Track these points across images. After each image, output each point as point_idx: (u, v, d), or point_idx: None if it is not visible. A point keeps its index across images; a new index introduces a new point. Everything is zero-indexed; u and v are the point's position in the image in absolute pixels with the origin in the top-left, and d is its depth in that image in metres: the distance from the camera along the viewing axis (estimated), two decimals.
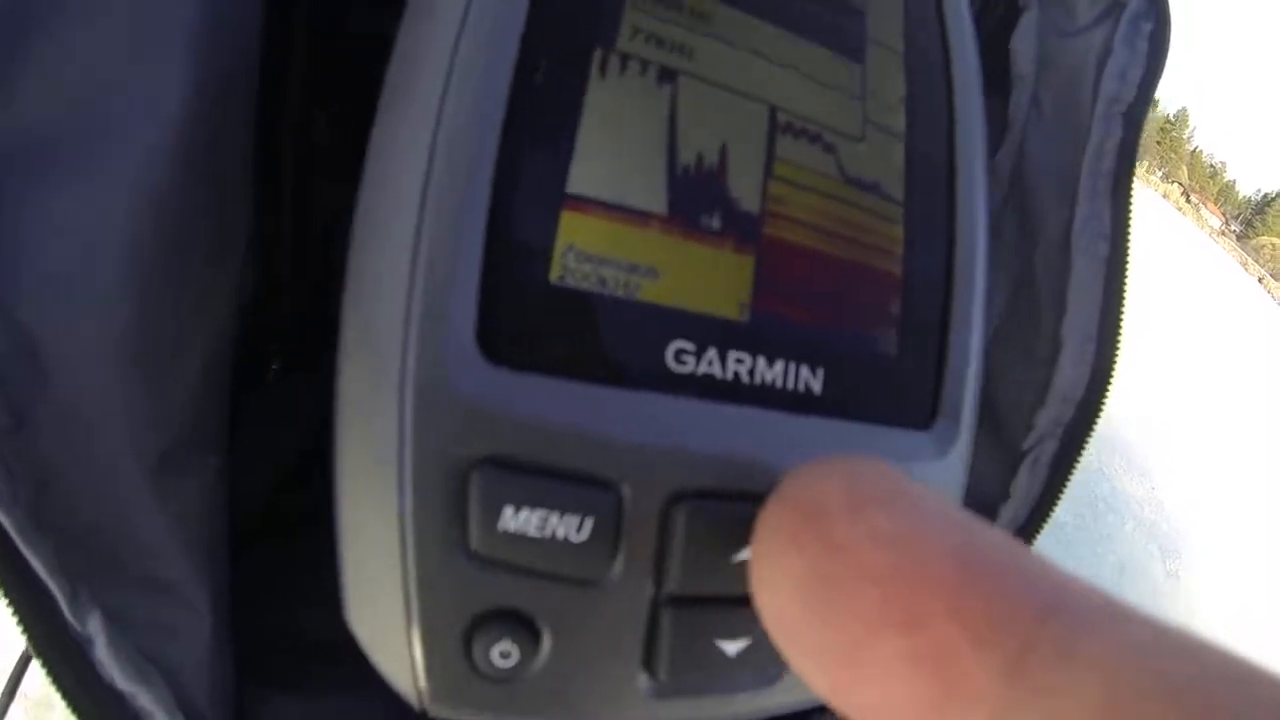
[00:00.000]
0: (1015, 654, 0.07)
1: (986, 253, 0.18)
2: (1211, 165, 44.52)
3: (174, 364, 0.16)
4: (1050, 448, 0.27)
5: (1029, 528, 0.28)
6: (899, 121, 0.16)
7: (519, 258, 0.12)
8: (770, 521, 0.09)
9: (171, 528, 0.17)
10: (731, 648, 0.13)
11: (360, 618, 0.13)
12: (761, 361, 0.14)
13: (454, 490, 0.12)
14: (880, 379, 0.16)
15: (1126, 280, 0.27)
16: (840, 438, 0.15)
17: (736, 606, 0.13)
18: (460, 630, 0.12)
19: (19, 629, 0.16)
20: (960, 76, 0.17)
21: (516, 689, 0.12)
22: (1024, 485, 0.27)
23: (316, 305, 0.27)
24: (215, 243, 0.17)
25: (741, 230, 0.14)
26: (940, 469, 0.16)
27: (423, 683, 0.12)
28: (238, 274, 0.18)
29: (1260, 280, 17.69)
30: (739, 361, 0.14)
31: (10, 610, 0.15)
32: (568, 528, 0.12)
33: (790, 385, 0.14)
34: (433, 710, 0.13)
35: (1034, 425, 0.28)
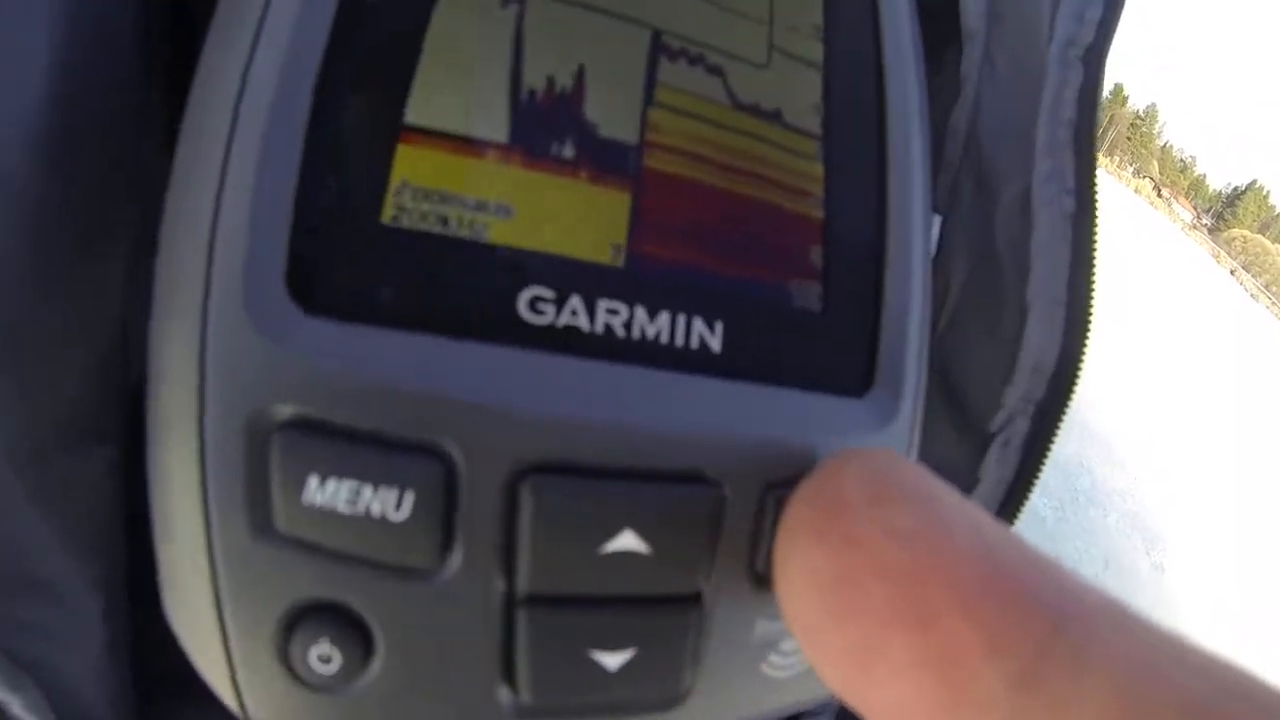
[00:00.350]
0: (1029, 662, 0.07)
1: (926, 196, 0.15)
2: (1182, 160, 45.43)
3: (47, 357, 0.14)
4: (1021, 427, 0.25)
5: (1002, 515, 0.26)
6: (815, 49, 0.14)
7: (343, 194, 0.10)
8: (793, 516, 0.09)
9: (50, 523, 0.15)
10: (611, 660, 0.11)
11: (175, 612, 0.10)
12: (641, 312, 0.12)
13: (257, 457, 0.10)
14: (798, 336, 0.13)
15: (1096, 238, 0.25)
16: (746, 402, 0.12)
17: (615, 610, 0.11)
18: (271, 627, 0.10)
19: None
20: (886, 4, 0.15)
21: (346, 701, 0.10)
22: (994, 470, 0.25)
23: None
24: (88, 231, 0.14)
25: (612, 162, 0.11)
26: (878, 442, 0.13)
27: (242, 690, 0.10)
28: (123, 260, 0.15)
29: (1232, 272, 18.07)
30: (611, 312, 0.11)
31: None
32: (384, 503, 0.09)
33: (679, 341, 0.12)
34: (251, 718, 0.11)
35: (1003, 404, 0.26)
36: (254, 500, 0.10)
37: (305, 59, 0.10)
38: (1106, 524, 1.46)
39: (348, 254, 0.10)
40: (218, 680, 0.10)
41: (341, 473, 0.09)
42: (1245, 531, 1.80)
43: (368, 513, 0.09)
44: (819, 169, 0.13)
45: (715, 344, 0.12)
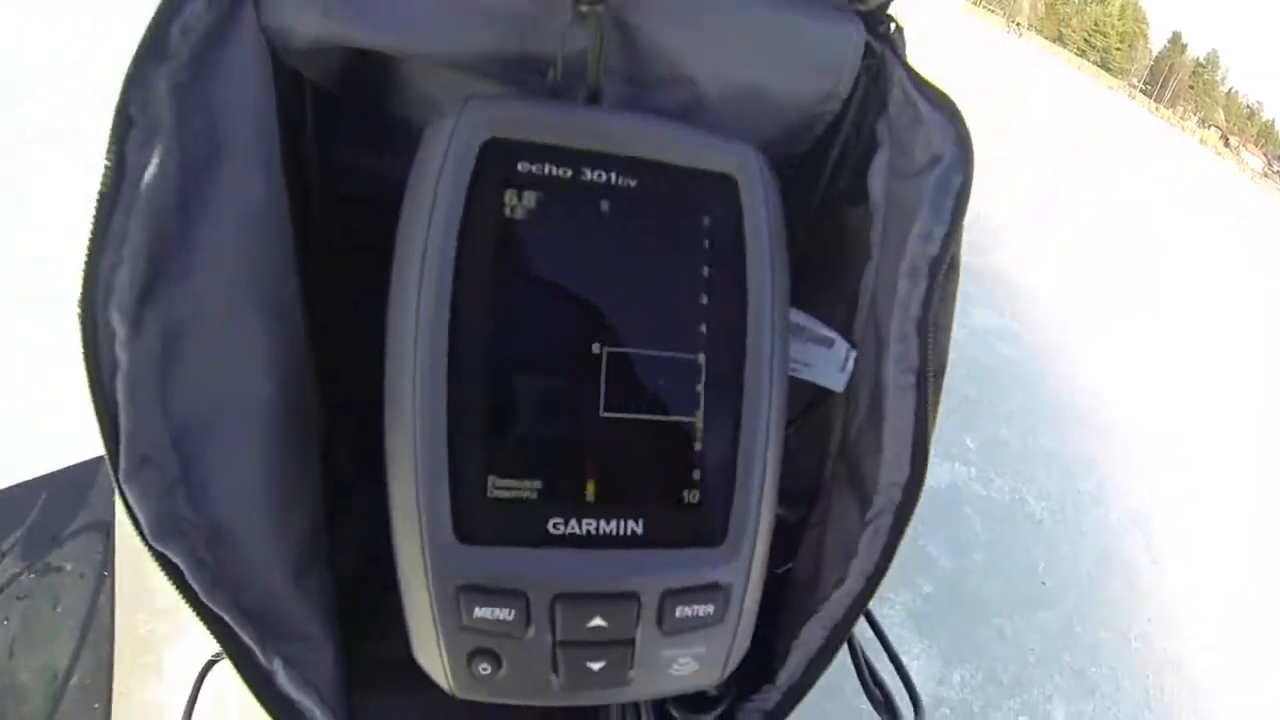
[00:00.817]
0: None
1: (772, 438, 0.31)
2: (1249, 106, 42.85)
3: (295, 508, 0.33)
4: (886, 521, 0.36)
5: (874, 577, 0.36)
6: (698, 348, 0.31)
7: (471, 488, 0.27)
8: None
9: (307, 606, 0.33)
10: (595, 665, 0.28)
11: (419, 652, 0.28)
12: (602, 523, 0.28)
13: (455, 598, 0.27)
14: (685, 519, 0.29)
15: (936, 396, 0.36)
16: (654, 559, 0.28)
17: (594, 646, 0.28)
18: (464, 657, 0.27)
19: (234, 667, 0.30)
20: (754, 283, 0.31)
21: (494, 682, 0.28)
22: (867, 546, 0.36)
23: (366, 429, 0.41)
24: (307, 413, 0.34)
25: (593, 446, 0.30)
26: (730, 570, 0.29)
27: (450, 682, 0.28)
28: (319, 428, 0.36)
29: None
30: (589, 524, 0.28)
31: (229, 657, 0.30)
32: (505, 614, 0.27)
33: (621, 532, 0.28)
34: (457, 693, 0.28)
35: (874, 503, 0.37)
36: (455, 612, 0.26)
37: (437, 406, 0.27)
38: (1108, 522, 1.47)
39: (473, 515, 0.27)
40: (438, 678, 0.27)
41: (488, 604, 0.26)
42: (1259, 525, 1.78)
43: (499, 618, 0.26)
44: (700, 425, 0.29)
45: (640, 530, 0.28)
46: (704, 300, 0.36)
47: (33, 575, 0.89)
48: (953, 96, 0.43)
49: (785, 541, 0.47)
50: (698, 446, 0.32)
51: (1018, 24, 32.73)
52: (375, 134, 0.48)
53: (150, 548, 0.30)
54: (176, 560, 0.30)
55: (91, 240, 0.29)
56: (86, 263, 0.29)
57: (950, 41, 9.29)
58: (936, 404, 0.38)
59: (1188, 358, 2.38)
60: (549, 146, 0.36)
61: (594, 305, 0.36)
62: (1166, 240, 3.75)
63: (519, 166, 0.35)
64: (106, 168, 0.30)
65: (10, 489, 0.94)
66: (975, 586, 1.15)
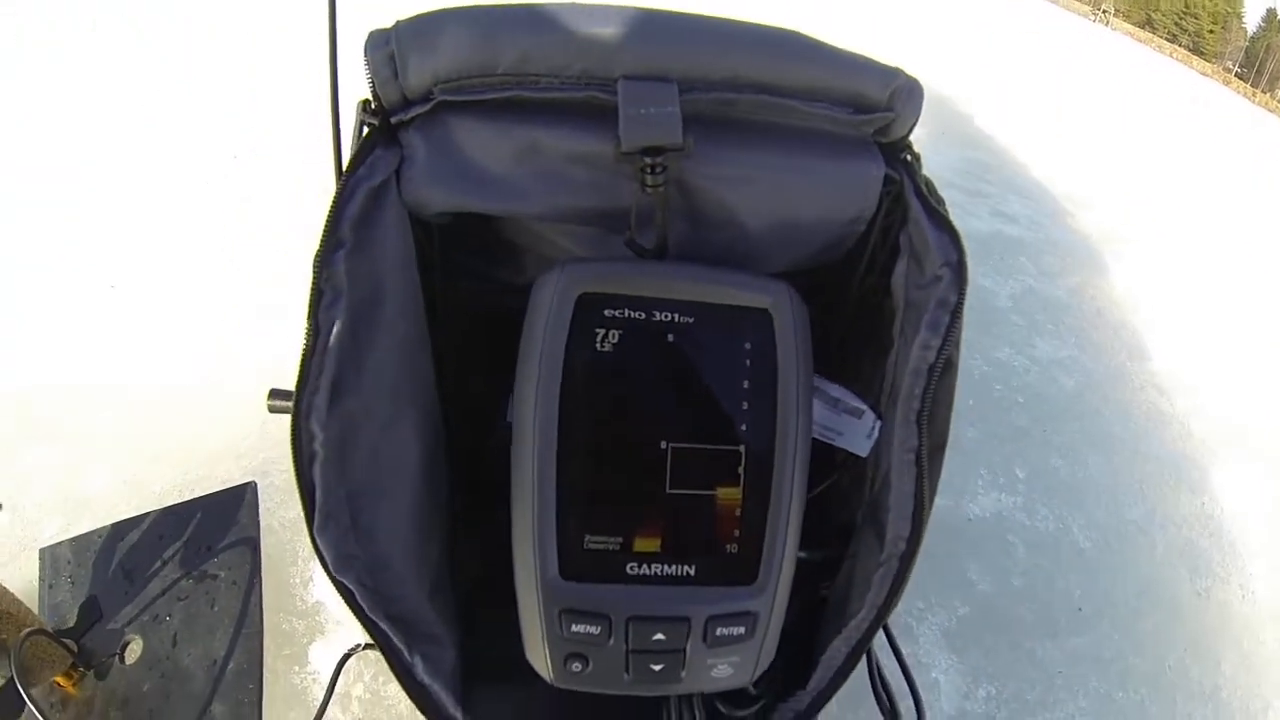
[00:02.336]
0: None
1: (793, 506, 0.50)
2: None
3: (431, 544, 0.52)
4: (893, 566, 0.52)
5: (884, 610, 0.51)
6: (740, 441, 0.51)
7: (572, 542, 0.46)
8: None
9: (441, 616, 0.50)
10: (656, 667, 0.45)
11: (530, 653, 0.46)
12: (665, 567, 0.47)
13: (559, 618, 0.45)
14: (728, 564, 0.48)
15: (929, 477, 0.51)
16: (703, 592, 0.47)
17: (656, 653, 0.45)
18: (563, 659, 0.45)
19: (386, 660, 0.45)
20: (782, 392, 0.51)
21: (583, 677, 0.45)
22: (878, 584, 0.52)
23: (481, 481, 0.63)
24: (440, 474, 0.55)
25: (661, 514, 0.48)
26: (759, 601, 0.48)
27: (551, 675, 0.45)
28: (449, 487, 0.58)
29: None
30: (655, 568, 0.47)
31: (382, 653, 0.45)
32: (593, 630, 0.45)
33: (679, 573, 0.47)
34: (557, 684, 0.45)
35: (885, 549, 0.52)
36: (559, 628, 0.45)
37: (547, 488, 0.47)
38: (1154, 552, 1.53)
39: (574, 560, 0.46)
40: (543, 672, 0.46)
41: (582, 623, 0.45)
42: None
43: (588, 631, 0.45)
44: (739, 495, 0.49)
45: (692, 572, 0.47)
46: (744, 406, 0.53)
47: (191, 580, 0.99)
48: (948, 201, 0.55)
49: (823, 570, 0.63)
50: (737, 513, 0.51)
51: (1104, 11, 31.20)
52: (486, 267, 0.66)
53: (331, 577, 0.46)
54: (349, 585, 0.46)
55: (299, 378, 0.45)
56: (296, 392, 0.45)
57: (1026, 34, 9.00)
58: (936, 474, 0.52)
59: (1255, 389, 2.36)
60: (627, 296, 0.53)
61: (662, 412, 0.52)
62: (1254, 257, 3.63)
63: (605, 313, 0.52)
64: (307, 329, 0.46)
65: (172, 507, 1.05)
66: (1011, 610, 1.24)
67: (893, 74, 0.57)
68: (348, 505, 0.47)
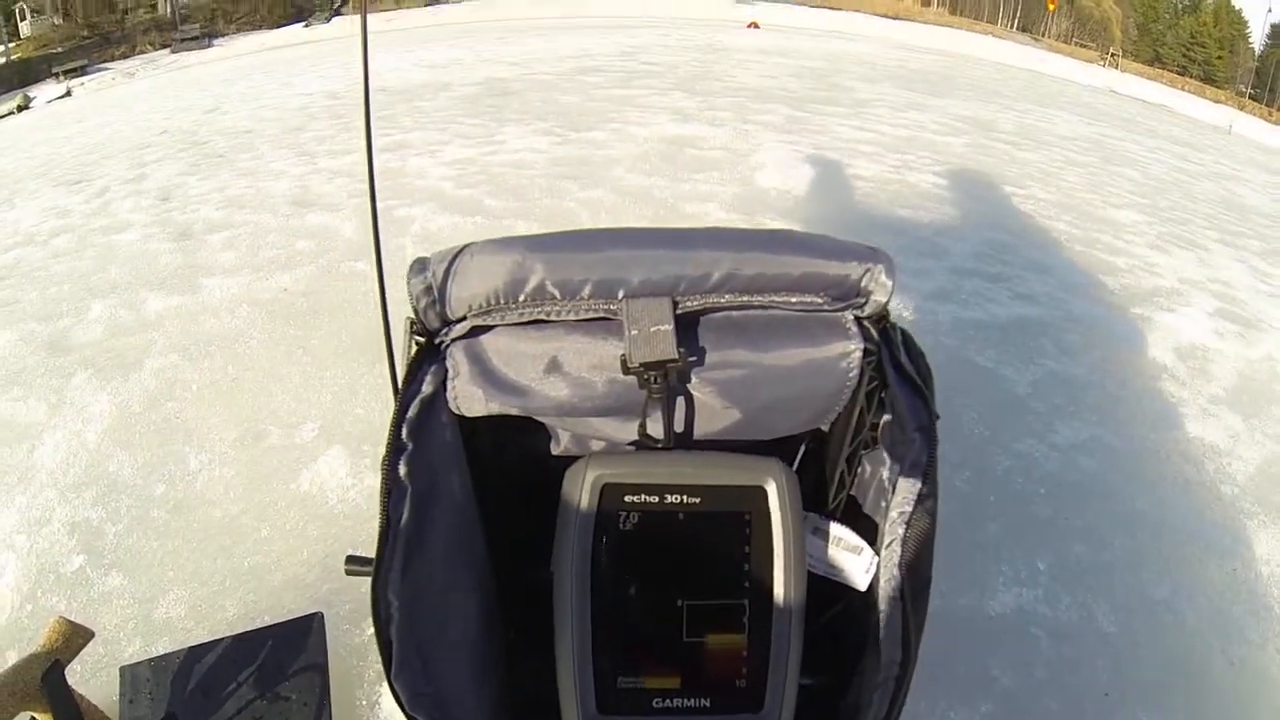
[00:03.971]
0: None
1: (792, 645, 0.67)
2: None
3: (488, 681, 0.68)
4: (890, 687, 0.60)
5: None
6: (743, 595, 0.68)
7: (606, 682, 0.65)
8: None
9: (482, 694, 0.66)
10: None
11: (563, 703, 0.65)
12: (684, 700, 0.67)
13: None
14: (738, 697, 0.67)
15: (913, 613, 0.60)
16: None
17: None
18: None
19: None
20: (778, 553, 0.69)
21: None
22: (878, 701, 0.60)
23: (530, 616, 0.73)
24: (494, 622, 0.74)
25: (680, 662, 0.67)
26: (763, 718, 0.66)
27: None
28: (501, 631, 0.76)
29: None
30: (676, 702, 0.67)
31: None
32: None
33: (696, 706, 0.67)
34: None
35: (881, 670, 0.61)
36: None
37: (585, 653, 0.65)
38: (1183, 627, 1.59)
39: (608, 698, 0.65)
40: None
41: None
42: None
43: None
44: (745, 638, 0.68)
45: (708, 704, 0.67)
46: (746, 567, 0.69)
47: (264, 701, 1.05)
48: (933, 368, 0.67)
49: (829, 692, 0.75)
50: (744, 653, 0.66)
51: (1112, 54, 31.54)
52: (525, 447, 0.78)
53: (405, 712, 0.54)
54: (420, 719, 0.54)
55: (377, 557, 0.55)
56: (375, 569, 0.55)
57: (1043, 97, 9.18)
58: (922, 608, 0.61)
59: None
60: (642, 484, 0.70)
61: (677, 575, 0.69)
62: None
63: (625, 498, 0.69)
64: (381, 524, 0.56)
65: (245, 634, 1.14)
66: (1035, 703, 1.34)
67: (867, 256, 0.68)
68: (418, 653, 0.57)
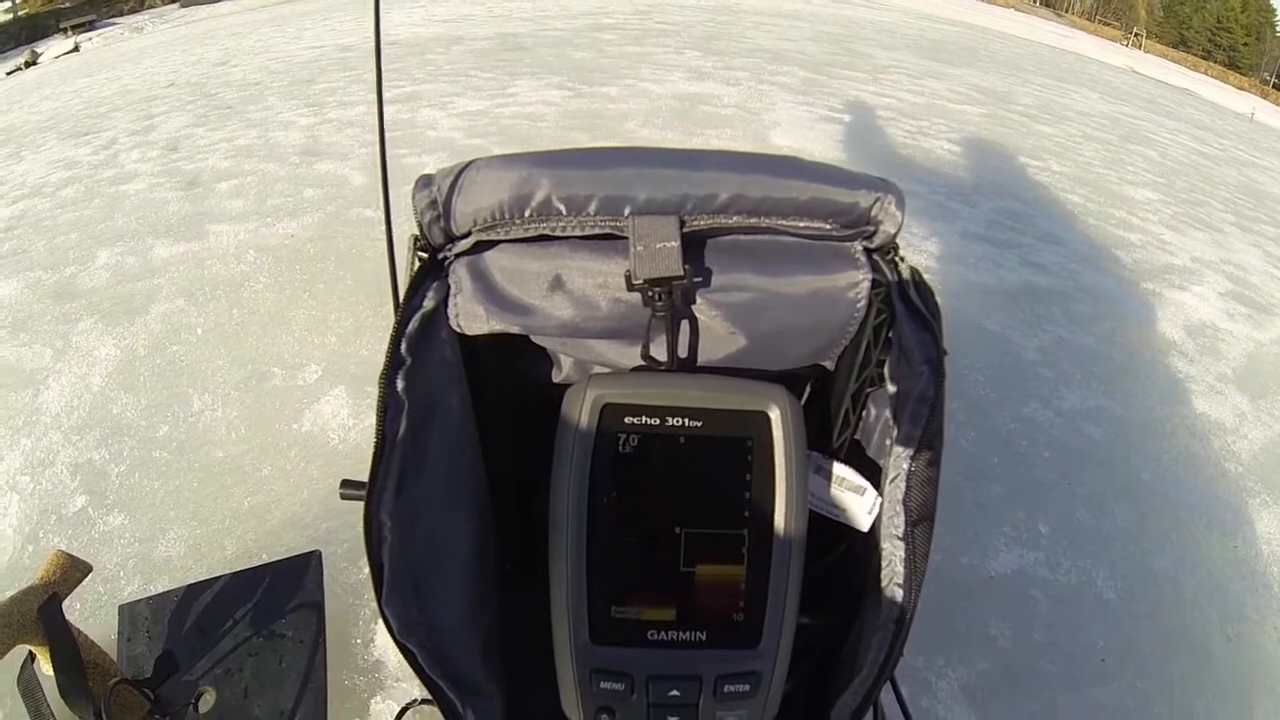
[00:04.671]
0: None
1: (791, 579, 0.62)
2: None
3: (482, 611, 0.64)
4: (889, 633, 0.60)
5: (885, 667, 0.60)
6: (743, 525, 0.63)
7: (600, 611, 0.60)
8: None
9: (490, 675, 0.62)
10: (672, 717, 0.58)
11: (565, 706, 0.59)
12: (680, 633, 0.60)
13: (590, 676, 0.58)
14: (734, 631, 0.61)
15: (920, 550, 0.60)
16: (713, 655, 0.60)
17: (673, 706, 0.58)
18: (594, 711, 0.58)
19: (442, 713, 0.56)
20: (779, 482, 0.64)
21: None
22: (876, 647, 0.61)
23: (525, 545, 0.72)
24: (490, 551, 0.71)
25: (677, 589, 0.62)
26: (762, 662, 0.60)
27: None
28: (498, 560, 0.74)
29: None
30: (671, 634, 0.60)
31: (438, 706, 0.55)
32: (618, 686, 0.58)
33: (692, 639, 0.60)
34: None
35: (880, 619, 0.61)
36: (590, 686, 0.58)
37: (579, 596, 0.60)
38: (1181, 599, 1.57)
39: (602, 628, 0.60)
40: (573, 716, 0.60)
41: (609, 681, 0.58)
42: None
43: (614, 688, 0.59)
44: (744, 569, 0.62)
45: (704, 637, 0.60)
46: (746, 496, 0.65)
47: (261, 638, 1.05)
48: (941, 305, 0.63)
49: (830, 633, 0.74)
50: (742, 586, 0.62)
51: (1136, 34, 30.93)
52: (525, 371, 0.77)
53: (396, 640, 0.53)
54: (412, 648, 0.53)
55: (371, 475, 0.53)
56: (369, 487, 0.53)
57: (1063, 72, 9.04)
58: (925, 547, 0.60)
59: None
60: (643, 405, 0.65)
61: (675, 502, 0.65)
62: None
63: (625, 419, 0.65)
64: (376, 434, 0.55)
65: (243, 572, 1.13)
66: (1032, 664, 1.32)
67: (878, 185, 0.66)
68: (410, 580, 0.56)
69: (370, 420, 1.72)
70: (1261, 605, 1.59)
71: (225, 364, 1.98)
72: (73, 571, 0.91)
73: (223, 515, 1.49)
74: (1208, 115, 11.09)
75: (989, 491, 1.74)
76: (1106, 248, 3.55)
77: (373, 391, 0.56)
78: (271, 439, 1.71)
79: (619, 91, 5.18)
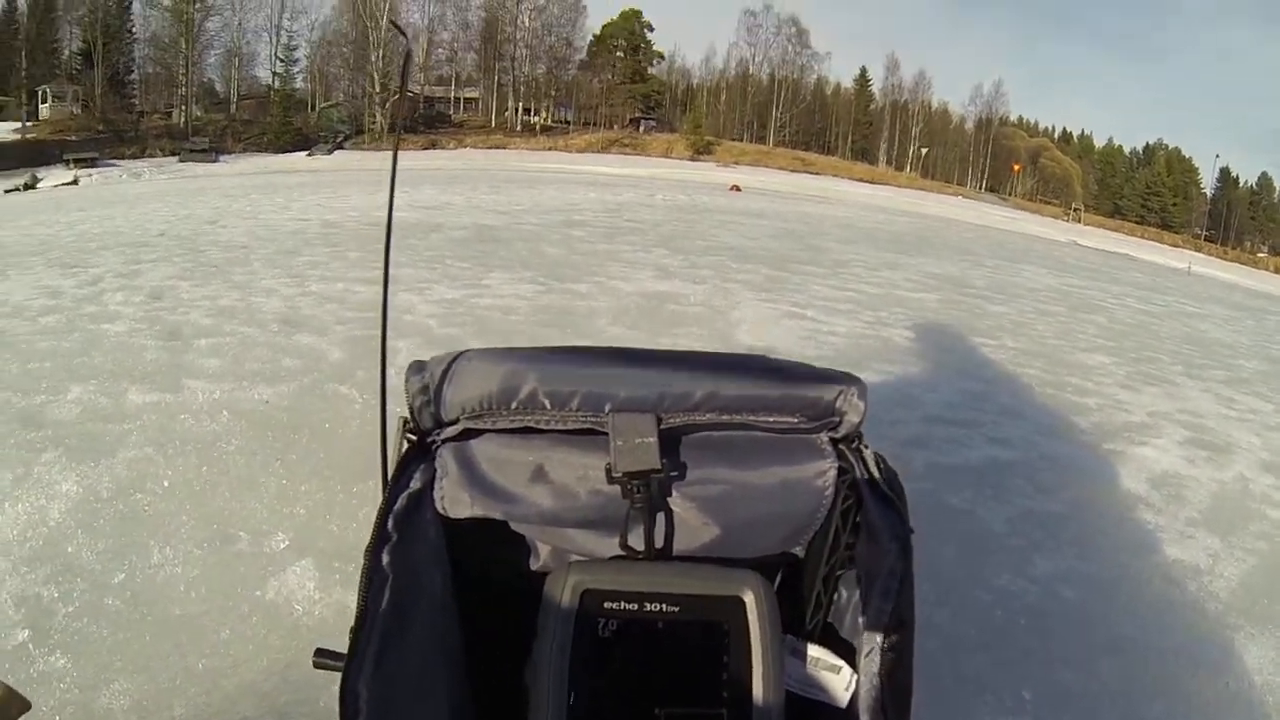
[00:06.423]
0: None
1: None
2: None
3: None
4: None
5: None
6: (721, 705, 0.67)
7: None
8: None
9: None
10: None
11: None
12: None
13: None
14: None
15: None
16: None
17: None
18: None
19: None
20: (756, 663, 0.67)
21: None
22: None
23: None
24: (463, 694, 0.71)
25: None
26: None
27: None
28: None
29: None
30: None
31: None
32: None
33: None
34: None
35: None
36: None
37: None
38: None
39: None
40: None
41: None
42: None
43: None
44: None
45: None
46: (724, 676, 0.65)
47: None
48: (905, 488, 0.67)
49: None
50: None
51: (1075, 209, 33.68)
52: (508, 557, 0.75)
53: None
54: None
55: (351, 647, 0.52)
56: (348, 659, 0.52)
57: (1013, 254, 9.64)
58: (903, 717, 0.61)
59: (1269, 559, 2.42)
60: (622, 592, 0.65)
61: (655, 684, 0.64)
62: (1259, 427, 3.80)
63: (605, 605, 0.65)
64: (358, 611, 0.53)
65: None
66: None
67: (841, 380, 0.71)
68: None
69: (338, 596, 1.70)
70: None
71: (190, 521, 1.93)
72: (11, 705, 0.81)
73: (174, 673, 1.40)
74: (1148, 275, 11.89)
75: (969, 664, 1.78)
76: (1066, 415, 3.75)
77: (341, 567, 0.62)
78: (233, 603, 1.64)
79: (589, 288, 5.29)
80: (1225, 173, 45.39)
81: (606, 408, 0.66)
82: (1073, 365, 4.76)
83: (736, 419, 0.69)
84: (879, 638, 0.65)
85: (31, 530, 1.82)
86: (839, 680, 0.74)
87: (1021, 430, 3.47)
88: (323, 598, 1.70)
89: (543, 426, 0.67)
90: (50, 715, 1.31)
